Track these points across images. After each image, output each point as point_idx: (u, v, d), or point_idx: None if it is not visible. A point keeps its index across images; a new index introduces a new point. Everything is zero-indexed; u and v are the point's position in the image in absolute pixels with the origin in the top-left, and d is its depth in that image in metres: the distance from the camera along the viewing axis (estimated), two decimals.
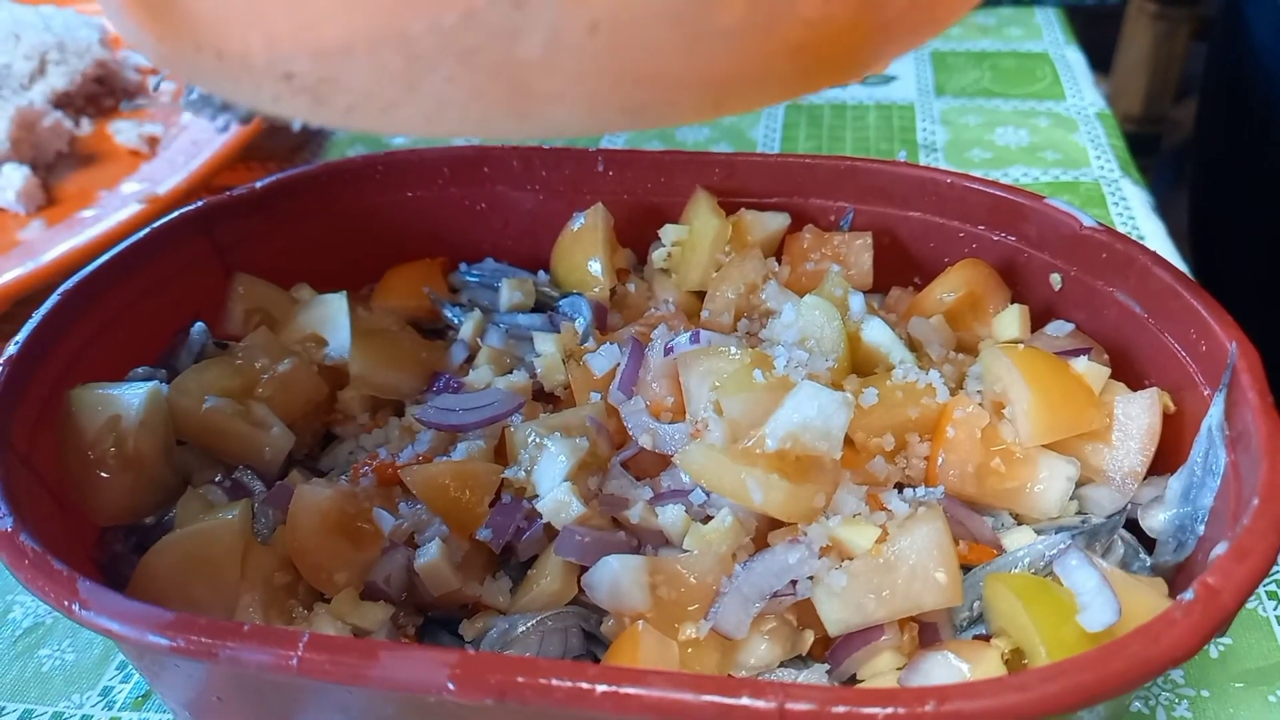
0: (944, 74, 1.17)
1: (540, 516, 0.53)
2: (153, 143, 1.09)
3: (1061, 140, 1.04)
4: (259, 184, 0.68)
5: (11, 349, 0.55)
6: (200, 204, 0.66)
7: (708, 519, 0.52)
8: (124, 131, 1.09)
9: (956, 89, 1.14)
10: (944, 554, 0.47)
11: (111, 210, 0.92)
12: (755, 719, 0.36)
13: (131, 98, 1.19)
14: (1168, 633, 0.38)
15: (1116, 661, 0.37)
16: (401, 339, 0.65)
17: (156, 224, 0.64)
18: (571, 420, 0.58)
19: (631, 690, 0.37)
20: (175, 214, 0.65)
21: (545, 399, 0.63)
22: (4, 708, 0.59)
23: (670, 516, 0.52)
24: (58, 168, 1.07)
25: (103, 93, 1.18)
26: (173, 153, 1.03)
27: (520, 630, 0.51)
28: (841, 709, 0.36)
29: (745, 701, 0.37)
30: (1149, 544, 0.53)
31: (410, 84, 0.33)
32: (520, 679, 0.38)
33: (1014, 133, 1.06)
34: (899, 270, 0.67)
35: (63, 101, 1.13)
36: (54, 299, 0.58)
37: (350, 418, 0.63)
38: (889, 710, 0.36)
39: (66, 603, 0.43)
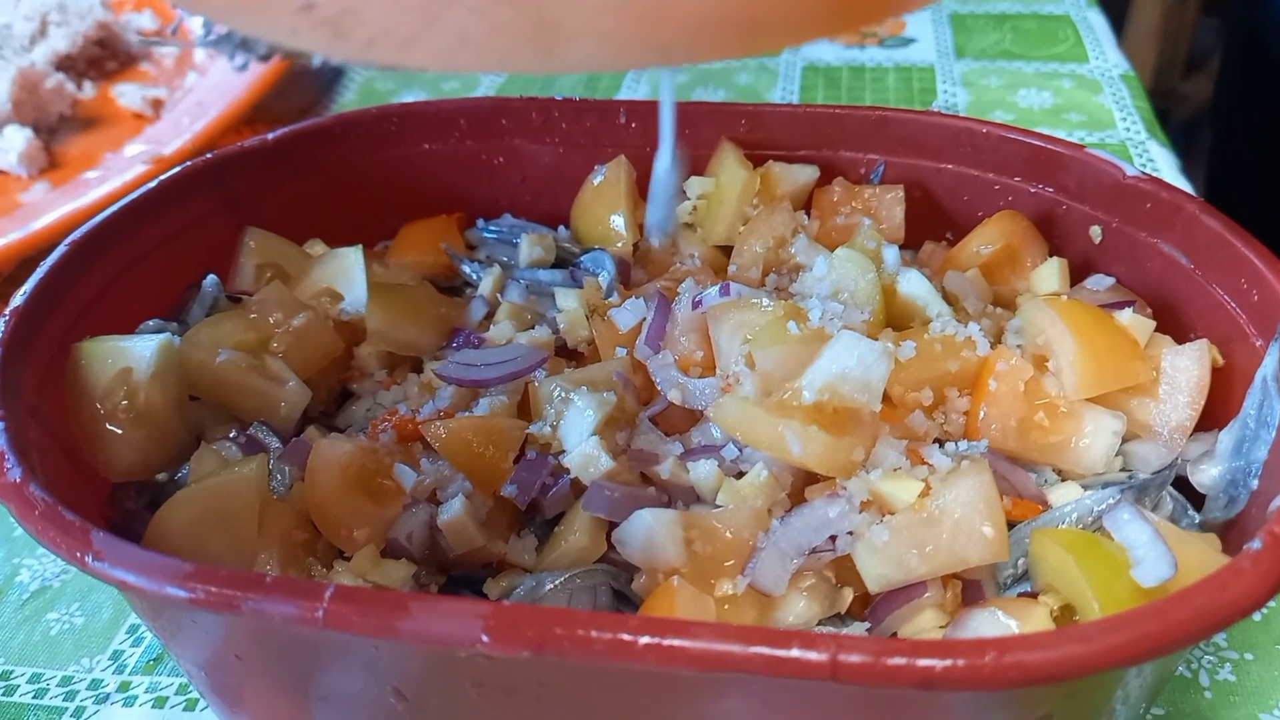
0: (963, 36, 1.15)
1: (567, 472, 0.51)
2: (156, 105, 1.06)
3: (1086, 102, 1.02)
4: (270, 135, 0.66)
5: (18, 299, 0.53)
6: (210, 155, 0.64)
7: (740, 475, 0.50)
8: (127, 94, 1.07)
9: (977, 51, 1.12)
10: (990, 508, 0.45)
11: (116, 172, 0.90)
12: (807, 671, 0.35)
13: (135, 61, 1.16)
14: (1235, 582, 0.37)
15: (1181, 612, 0.36)
16: (420, 293, 0.62)
17: (166, 175, 0.62)
18: (597, 375, 0.56)
19: (676, 642, 0.36)
20: (185, 164, 0.63)
21: (568, 355, 0.61)
22: (11, 672, 0.57)
23: (702, 471, 0.50)
24: (60, 131, 1.05)
25: (104, 56, 1.16)
26: (177, 114, 1.01)
27: (548, 588, 0.49)
28: (898, 660, 0.34)
29: (796, 653, 0.35)
30: (1195, 501, 0.51)
31: (431, 17, 0.32)
32: (558, 630, 0.36)
33: (1037, 94, 1.03)
34: (930, 225, 0.65)
35: (64, 64, 1.11)
36: (62, 249, 0.56)
37: (367, 374, 0.61)
38: (947, 662, 0.34)
39: (80, 554, 0.41)
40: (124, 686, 0.56)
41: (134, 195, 0.60)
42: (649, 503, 0.50)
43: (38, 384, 0.52)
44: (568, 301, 0.61)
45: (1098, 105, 1.01)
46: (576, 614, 0.37)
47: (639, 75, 1.11)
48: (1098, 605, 0.42)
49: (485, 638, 0.37)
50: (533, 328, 0.61)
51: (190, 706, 0.54)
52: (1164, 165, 0.92)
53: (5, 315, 0.52)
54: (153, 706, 0.55)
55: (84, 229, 0.58)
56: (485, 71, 0.33)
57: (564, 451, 0.52)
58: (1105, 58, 1.09)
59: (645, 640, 0.36)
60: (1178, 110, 2.37)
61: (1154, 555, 0.43)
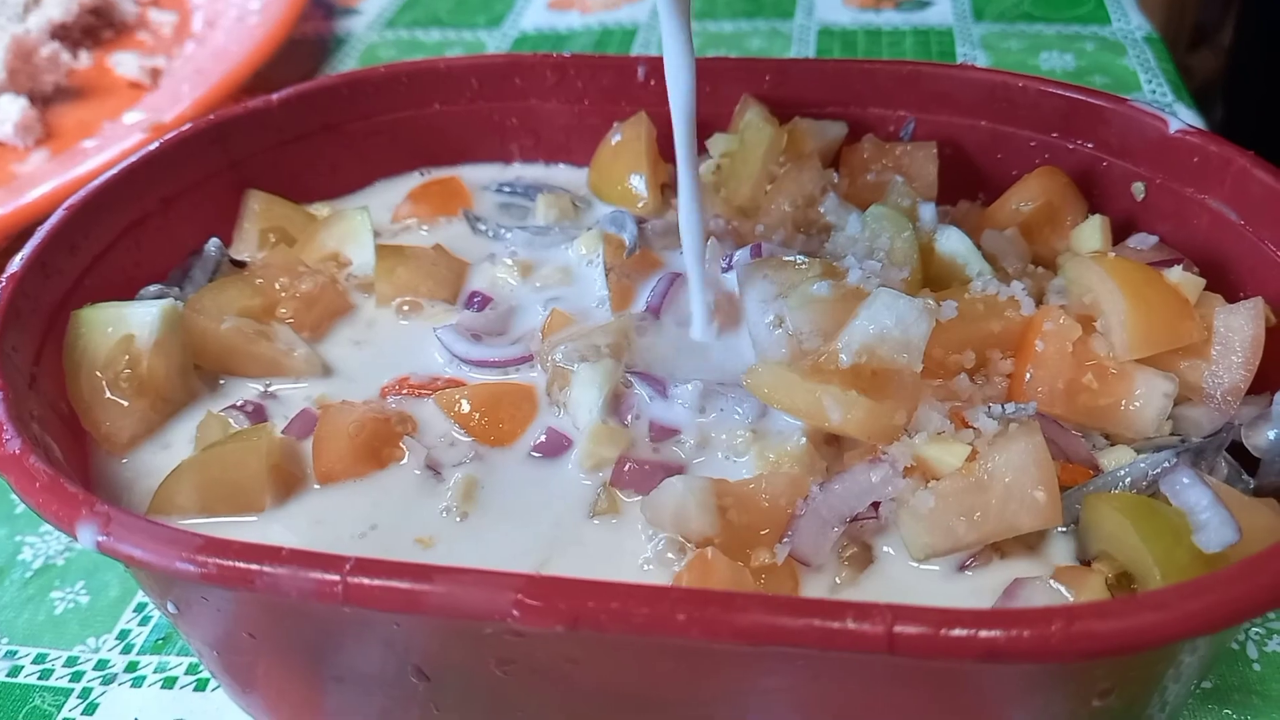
0: None
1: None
2: (155, 74, 1.03)
3: (1110, 64, 0.99)
4: (275, 96, 0.63)
5: (14, 265, 0.51)
6: (213, 116, 0.61)
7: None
8: (125, 64, 1.04)
9: (995, 14, 1.09)
10: (1043, 471, 0.43)
11: (115, 140, 0.87)
12: (861, 643, 0.33)
13: (131, 30, 1.13)
14: None
15: (1262, 576, 0.33)
16: (429, 255, 0.60)
17: (167, 137, 0.60)
18: (599, 339, 0.53)
19: (721, 614, 0.33)
20: (186, 126, 0.60)
21: None
22: (15, 652, 0.55)
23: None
24: (54, 101, 1.02)
25: (100, 25, 1.13)
26: (176, 82, 0.98)
27: None
28: (959, 631, 0.32)
29: (850, 625, 0.33)
30: (1249, 465, 0.49)
31: None
32: (594, 604, 0.34)
33: (1059, 57, 1.00)
34: (961, 185, 0.63)
35: (59, 33, 1.08)
36: (59, 214, 0.54)
37: None
38: (1011, 633, 0.32)
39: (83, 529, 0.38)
40: (131, 666, 0.54)
41: (134, 157, 0.58)
42: (678, 471, 0.48)
43: (35, 352, 0.49)
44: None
45: (1122, 68, 0.98)
46: (614, 586, 0.35)
47: (649, 36, 1.08)
48: (1159, 573, 0.40)
49: (516, 612, 0.34)
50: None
51: (200, 687, 0.52)
52: None
53: (1, 282, 0.50)
54: (162, 687, 0.52)
55: (82, 192, 0.55)
56: None
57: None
58: (1128, 20, 1.06)
59: (687, 613, 0.33)
60: (1185, 84, 2.34)
61: (1217, 520, 0.40)
